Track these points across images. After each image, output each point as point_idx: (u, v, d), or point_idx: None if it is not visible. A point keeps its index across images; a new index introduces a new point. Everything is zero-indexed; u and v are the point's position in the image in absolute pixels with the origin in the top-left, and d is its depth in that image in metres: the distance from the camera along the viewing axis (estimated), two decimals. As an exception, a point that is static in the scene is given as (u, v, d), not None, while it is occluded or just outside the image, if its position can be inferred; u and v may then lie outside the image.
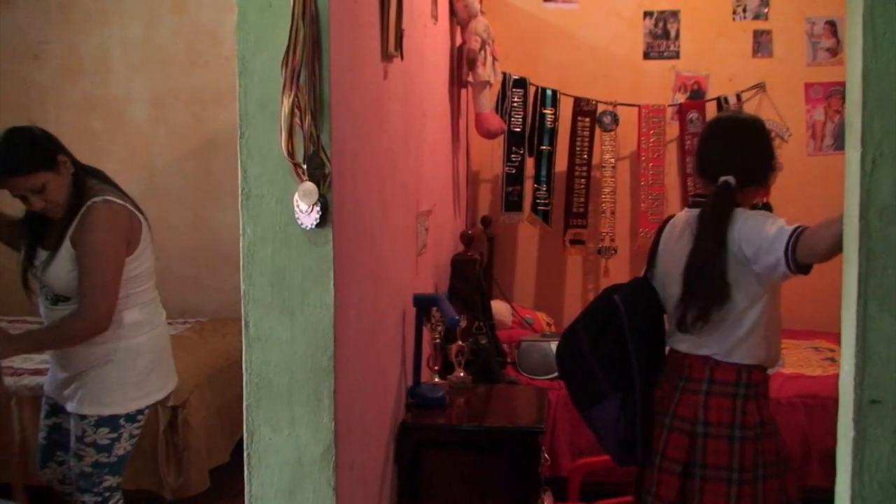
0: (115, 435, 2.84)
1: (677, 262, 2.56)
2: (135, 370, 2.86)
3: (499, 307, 4.58)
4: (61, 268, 2.77)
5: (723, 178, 2.48)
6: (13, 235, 2.98)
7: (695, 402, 2.52)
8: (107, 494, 2.87)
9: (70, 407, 2.87)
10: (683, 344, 2.58)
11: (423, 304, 3.02)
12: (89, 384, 2.83)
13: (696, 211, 2.59)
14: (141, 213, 2.89)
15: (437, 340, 3.24)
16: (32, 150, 2.69)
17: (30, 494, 3.81)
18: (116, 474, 2.90)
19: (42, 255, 2.84)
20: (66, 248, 2.76)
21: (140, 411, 2.90)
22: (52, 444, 3.02)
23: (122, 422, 2.85)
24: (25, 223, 2.91)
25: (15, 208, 2.93)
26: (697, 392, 2.53)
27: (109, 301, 2.72)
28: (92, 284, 2.71)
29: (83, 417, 2.83)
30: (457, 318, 2.93)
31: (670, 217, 2.76)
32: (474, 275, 3.89)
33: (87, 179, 2.80)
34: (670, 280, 2.61)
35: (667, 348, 2.69)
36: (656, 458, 2.56)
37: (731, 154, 2.55)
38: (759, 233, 2.42)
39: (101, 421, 2.82)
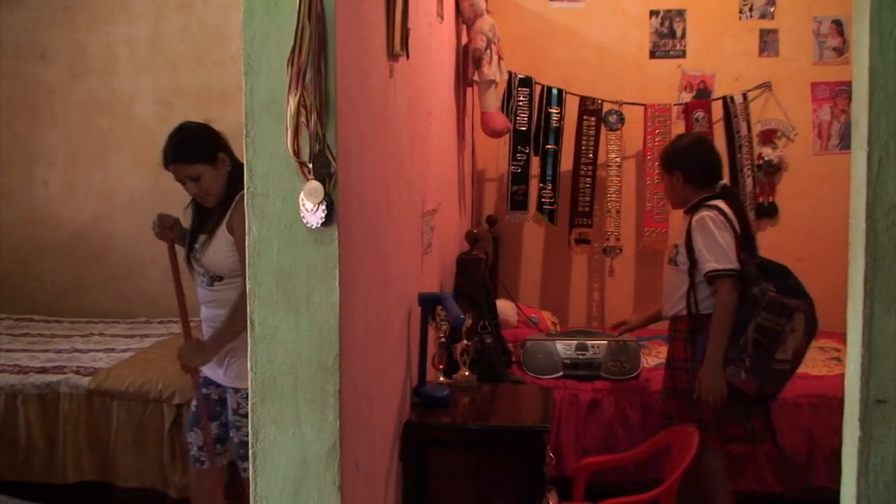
0: None
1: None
2: None
3: (504, 306, 4.58)
4: (218, 251, 3.05)
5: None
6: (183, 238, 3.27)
7: None
8: None
9: (225, 380, 3.12)
10: None
11: (429, 304, 3.02)
12: (240, 358, 2.99)
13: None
14: None
15: (443, 340, 3.24)
16: (196, 143, 3.05)
17: (36, 492, 3.82)
18: None
19: (201, 239, 3.12)
20: (222, 233, 3.05)
21: None
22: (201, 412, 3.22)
23: None
24: (192, 212, 3.21)
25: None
26: None
27: None
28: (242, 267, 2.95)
29: (237, 391, 3.06)
30: (462, 317, 2.93)
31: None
32: (479, 274, 3.89)
33: (242, 176, 2.97)
34: None
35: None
36: None
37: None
38: None
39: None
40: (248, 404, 2.98)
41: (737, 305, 3.22)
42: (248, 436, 3.03)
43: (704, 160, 3.48)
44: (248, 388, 2.95)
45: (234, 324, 2.95)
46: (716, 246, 3.26)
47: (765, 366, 3.19)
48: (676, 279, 3.45)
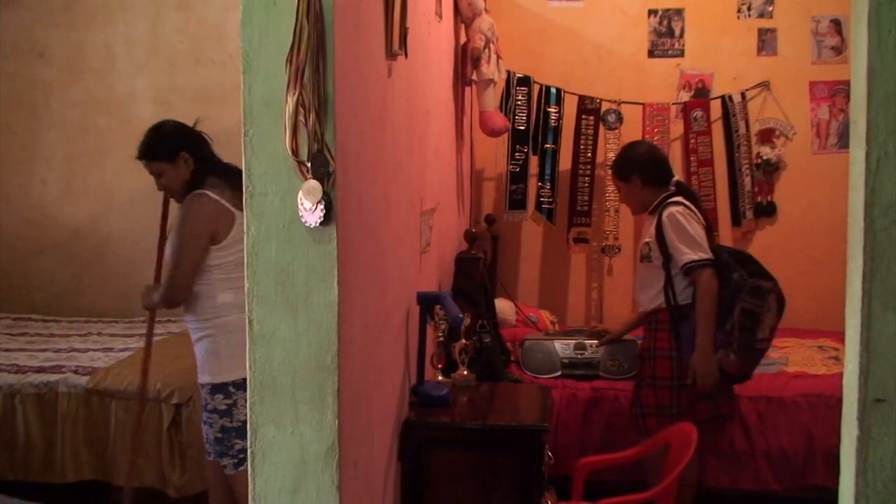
0: (229, 401, 3.15)
1: None
2: (227, 344, 3.15)
3: (503, 305, 4.58)
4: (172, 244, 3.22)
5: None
6: None
7: None
8: (241, 456, 3.15)
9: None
10: None
11: (427, 303, 3.01)
12: (199, 356, 3.21)
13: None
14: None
15: (441, 339, 3.24)
16: (158, 142, 3.22)
17: (35, 492, 3.82)
18: (244, 438, 3.08)
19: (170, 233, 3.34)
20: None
21: (244, 380, 3.08)
22: None
23: (231, 388, 3.14)
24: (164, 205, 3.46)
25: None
26: None
27: (184, 278, 3.10)
28: (172, 259, 3.14)
29: (202, 386, 3.21)
30: (461, 316, 2.93)
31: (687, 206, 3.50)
32: (478, 273, 3.89)
33: (207, 176, 3.21)
34: None
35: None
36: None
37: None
38: None
39: (214, 388, 3.16)
40: (212, 399, 3.13)
41: (720, 292, 3.39)
42: (221, 432, 3.17)
43: (659, 162, 3.69)
44: (209, 383, 3.13)
45: (160, 303, 3.23)
46: (689, 238, 3.43)
47: (749, 346, 3.39)
48: (651, 275, 3.57)
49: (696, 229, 3.45)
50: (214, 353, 3.17)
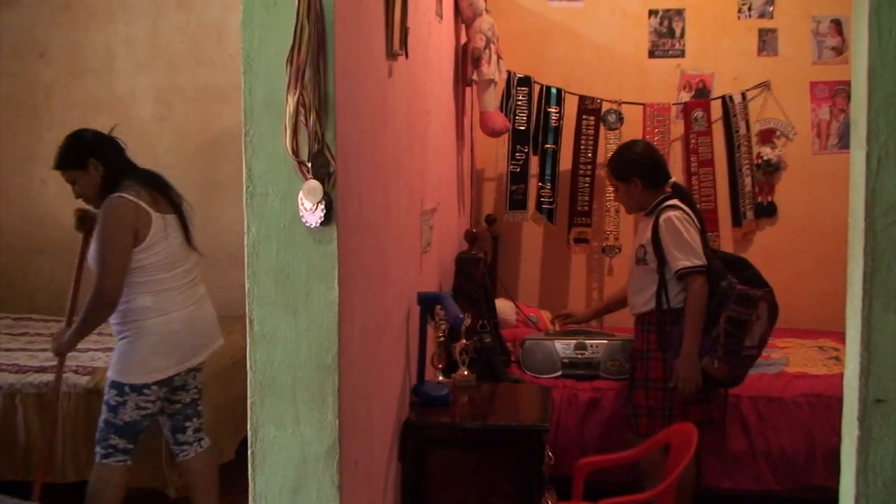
0: (120, 399, 3.26)
1: None
2: (141, 349, 3.26)
3: (503, 306, 4.58)
4: (93, 251, 3.31)
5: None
6: None
7: None
8: (110, 451, 3.30)
9: None
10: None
11: (428, 303, 3.02)
12: (114, 353, 3.33)
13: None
14: (169, 212, 3.34)
15: (442, 339, 3.23)
16: (69, 151, 3.36)
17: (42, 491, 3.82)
18: (124, 438, 3.31)
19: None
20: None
21: (146, 386, 3.28)
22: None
23: (126, 389, 3.26)
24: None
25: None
26: None
27: (113, 279, 3.16)
28: (98, 264, 3.19)
29: (107, 380, 3.32)
30: (461, 316, 2.93)
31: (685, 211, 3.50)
32: (479, 273, 3.88)
33: (121, 180, 3.30)
34: None
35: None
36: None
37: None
38: None
39: (112, 384, 3.28)
40: (108, 392, 3.27)
41: (708, 299, 3.41)
42: (104, 423, 3.29)
43: (658, 163, 3.68)
44: (110, 379, 3.27)
45: (82, 322, 3.29)
46: (684, 244, 3.44)
47: (736, 353, 3.41)
48: (645, 278, 3.58)
49: (693, 235, 3.46)
50: (127, 354, 3.27)
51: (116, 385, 3.27)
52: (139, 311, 3.25)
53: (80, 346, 4.51)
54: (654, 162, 3.66)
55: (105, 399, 3.31)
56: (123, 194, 3.23)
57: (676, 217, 3.47)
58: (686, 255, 3.42)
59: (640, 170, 3.59)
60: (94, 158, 3.33)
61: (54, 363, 4.12)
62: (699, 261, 3.42)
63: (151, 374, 3.28)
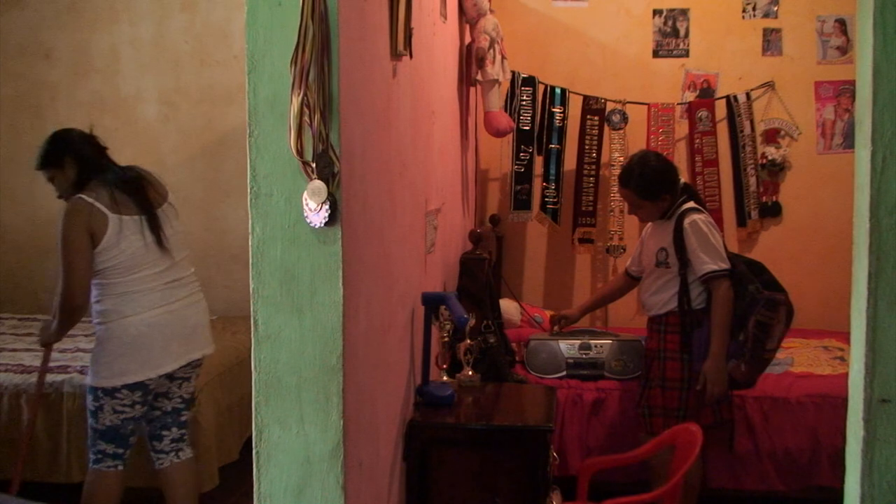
0: (97, 404, 3.24)
1: None
2: (105, 352, 3.24)
3: (507, 306, 4.58)
4: None
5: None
6: None
7: None
8: (100, 456, 3.29)
9: None
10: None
11: (432, 303, 3.02)
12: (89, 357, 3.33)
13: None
14: (130, 214, 3.27)
15: (446, 339, 3.23)
16: (46, 150, 3.38)
17: (40, 492, 3.83)
18: (111, 443, 3.28)
19: None
20: None
21: (116, 389, 3.23)
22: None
23: (100, 394, 3.23)
24: None
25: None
26: None
27: (75, 281, 3.15)
28: (61, 268, 3.16)
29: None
30: (466, 316, 2.93)
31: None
32: (483, 273, 3.88)
33: (90, 179, 3.29)
34: None
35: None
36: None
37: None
38: None
39: (89, 388, 3.29)
40: (86, 398, 3.28)
41: (733, 302, 3.44)
42: (90, 430, 3.26)
43: (674, 170, 3.68)
44: (88, 384, 3.25)
45: (59, 328, 3.29)
46: (710, 248, 3.46)
47: (758, 356, 3.43)
48: (665, 280, 3.58)
49: (717, 238, 3.50)
50: (95, 358, 3.26)
51: (91, 390, 3.26)
52: (101, 315, 3.24)
53: (84, 346, 4.56)
54: (672, 170, 3.66)
55: (86, 406, 3.31)
56: (82, 195, 3.21)
57: (702, 220, 3.49)
58: (713, 258, 3.44)
59: (669, 187, 3.58)
60: (69, 157, 3.34)
61: (58, 363, 4.15)
62: (725, 264, 3.45)
63: (120, 376, 3.22)
